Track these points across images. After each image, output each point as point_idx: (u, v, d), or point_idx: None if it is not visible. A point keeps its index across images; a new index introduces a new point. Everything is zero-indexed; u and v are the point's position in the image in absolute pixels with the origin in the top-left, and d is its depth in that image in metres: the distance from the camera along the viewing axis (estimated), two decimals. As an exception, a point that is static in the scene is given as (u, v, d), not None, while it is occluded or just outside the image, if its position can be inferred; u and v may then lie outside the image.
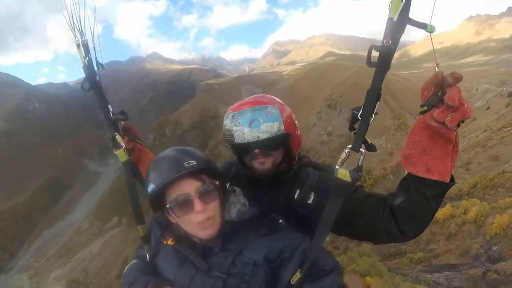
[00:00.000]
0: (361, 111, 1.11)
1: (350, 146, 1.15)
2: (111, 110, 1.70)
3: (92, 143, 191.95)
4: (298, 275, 1.22)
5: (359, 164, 1.16)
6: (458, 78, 0.96)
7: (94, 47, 1.61)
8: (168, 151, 1.35)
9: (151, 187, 1.27)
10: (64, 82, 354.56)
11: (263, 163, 1.51)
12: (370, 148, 1.18)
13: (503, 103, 51.03)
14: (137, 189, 1.63)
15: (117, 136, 1.65)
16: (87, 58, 1.60)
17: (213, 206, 1.30)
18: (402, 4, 0.94)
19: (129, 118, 1.78)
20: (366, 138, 1.14)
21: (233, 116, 1.49)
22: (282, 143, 1.50)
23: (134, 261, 1.56)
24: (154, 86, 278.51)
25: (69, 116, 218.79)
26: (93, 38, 1.61)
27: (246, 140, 1.44)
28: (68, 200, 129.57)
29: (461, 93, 0.98)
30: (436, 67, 1.03)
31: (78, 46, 1.60)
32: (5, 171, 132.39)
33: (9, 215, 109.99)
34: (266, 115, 1.44)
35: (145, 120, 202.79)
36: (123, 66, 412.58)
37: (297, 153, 1.66)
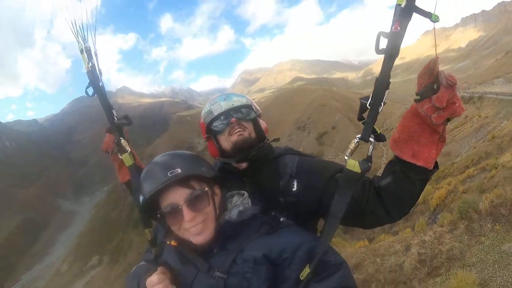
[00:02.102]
0: (370, 99, 1.11)
1: (359, 136, 1.16)
2: (115, 115, 1.71)
3: (64, 181, 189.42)
4: (307, 270, 1.20)
5: (369, 154, 1.16)
6: (451, 84, 0.98)
7: (95, 53, 1.65)
8: (158, 157, 1.36)
9: (141, 198, 1.28)
10: (34, 119, 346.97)
11: (241, 133, 1.56)
12: (380, 138, 1.17)
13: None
14: None
15: (122, 140, 1.67)
16: (90, 64, 1.62)
17: (204, 212, 1.28)
18: None
19: (132, 123, 1.82)
20: (375, 128, 1.15)
21: (211, 101, 1.64)
22: (251, 113, 1.60)
23: (142, 262, 1.59)
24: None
25: (40, 155, 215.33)
26: (94, 44, 1.65)
27: (223, 109, 1.55)
28: (45, 241, 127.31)
29: (455, 93, 1.01)
30: (436, 59, 1.03)
31: (81, 51, 1.63)
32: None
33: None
34: (236, 94, 1.65)
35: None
36: (93, 102, 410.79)
37: (267, 138, 1.69)
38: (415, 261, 6.16)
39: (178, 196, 1.25)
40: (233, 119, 1.55)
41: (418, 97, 1.07)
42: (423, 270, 5.88)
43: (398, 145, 1.17)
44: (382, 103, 1.10)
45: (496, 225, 5.71)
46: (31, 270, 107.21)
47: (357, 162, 1.18)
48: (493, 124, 26.69)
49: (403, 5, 0.98)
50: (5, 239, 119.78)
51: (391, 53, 1.03)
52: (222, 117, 1.57)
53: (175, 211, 1.25)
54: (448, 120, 1.07)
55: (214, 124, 1.59)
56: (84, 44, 1.63)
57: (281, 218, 1.39)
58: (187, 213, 1.23)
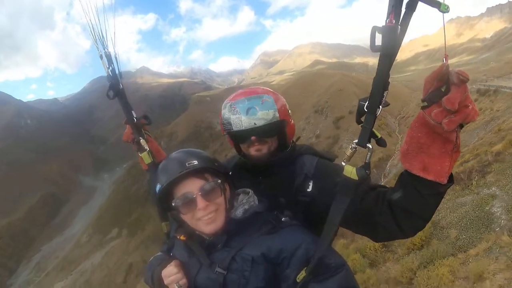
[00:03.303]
0: (367, 102, 1.04)
1: (356, 141, 1.10)
2: (135, 115, 1.79)
3: (85, 158, 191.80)
4: (303, 273, 1.21)
5: (366, 161, 1.11)
6: (463, 80, 0.86)
7: (116, 58, 1.71)
8: (174, 153, 1.42)
9: (158, 187, 1.35)
10: (54, 98, 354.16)
11: (259, 150, 1.55)
12: (380, 143, 1.12)
13: (472, 99, 53.89)
14: None
15: (141, 140, 1.75)
16: (110, 68, 1.68)
17: (216, 203, 1.34)
18: None
19: (152, 122, 1.91)
20: (375, 131, 1.08)
21: (230, 106, 1.52)
22: (277, 130, 1.53)
23: (159, 253, 1.66)
24: (146, 100, 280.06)
25: (61, 132, 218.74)
26: (114, 49, 1.69)
27: (243, 127, 1.47)
28: (65, 215, 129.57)
29: (467, 94, 0.89)
30: (444, 59, 0.92)
31: (101, 57, 1.68)
32: (0, 189, 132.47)
33: (6, 232, 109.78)
34: (262, 103, 1.48)
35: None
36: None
37: (292, 141, 1.69)
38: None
39: (193, 186, 1.31)
40: (253, 138, 1.50)
41: (425, 104, 0.97)
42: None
43: (407, 158, 1.08)
44: (380, 106, 1.03)
45: (456, 185, 8.73)
46: (51, 241, 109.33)
47: (354, 169, 1.13)
48: (503, 118, 25.11)
49: None
50: (26, 213, 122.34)
51: (386, 51, 0.95)
52: (242, 133, 1.51)
53: (190, 200, 1.30)
54: (462, 126, 0.96)
55: (233, 135, 1.56)
56: (104, 50, 1.68)
57: (283, 218, 1.39)
58: (200, 202, 1.29)
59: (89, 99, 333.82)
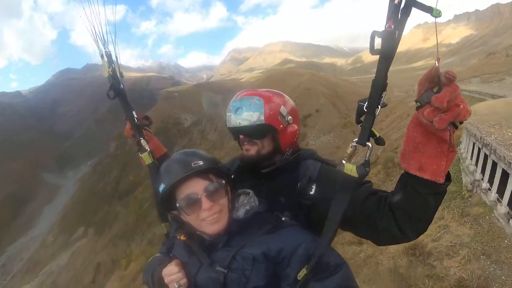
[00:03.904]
0: (366, 102, 1.07)
1: (356, 139, 1.12)
2: (135, 116, 1.80)
3: (48, 155, 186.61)
4: (304, 271, 1.22)
5: (366, 158, 1.13)
6: (449, 78, 0.92)
7: (116, 57, 1.71)
8: (178, 154, 1.44)
9: (161, 187, 1.34)
10: (17, 91, 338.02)
11: (247, 150, 1.59)
12: (379, 141, 1.14)
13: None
14: None
15: (142, 140, 1.76)
16: (111, 68, 1.68)
17: (220, 203, 1.35)
18: None
19: (152, 123, 1.94)
20: (374, 131, 1.11)
21: (230, 103, 1.60)
22: (261, 132, 1.54)
23: (158, 254, 1.66)
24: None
25: (24, 127, 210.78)
26: (115, 49, 1.71)
27: (231, 125, 1.56)
28: (29, 214, 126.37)
29: (458, 93, 0.94)
30: (436, 62, 0.99)
31: (102, 56, 1.68)
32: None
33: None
34: (250, 105, 1.52)
35: (104, 130, 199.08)
36: (79, 74, 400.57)
37: (290, 148, 1.67)
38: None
39: (197, 186, 1.32)
40: (241, 136, 1.58)
41: (418, 104, 1.01)
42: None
43: (405, 158, 1.12)
44: (379, 106, 1.06)
45: (402, 170, 9.45)
46: (16, 242, 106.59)
47: (354, 167, 1.15)
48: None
49: (396, 1, 0.94)
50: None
51: (385, 54, 0.99)
52: (232, 131, 1.60)
53: (194, 200, 1.31)
54: (456, 126, 1.00)
55: (229, 131, 1.63)
56: (105, 49, 1.67)
57: (283, 218, 1.42)
58: (205, 202, 1.30)
59: (53, 92, 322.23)
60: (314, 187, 1.52)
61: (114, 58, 1.72)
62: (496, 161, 13.13)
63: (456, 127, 1.01)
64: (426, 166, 1.07)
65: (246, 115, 1.52)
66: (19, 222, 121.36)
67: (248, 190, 1.54)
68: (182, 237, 1.44)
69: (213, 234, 1.36)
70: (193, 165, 1.31)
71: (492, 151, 13.10)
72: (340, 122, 79.21)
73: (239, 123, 1.53)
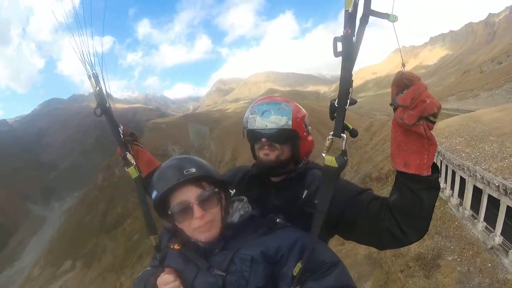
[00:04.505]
0: (337, 99, 1.15)
1: (331, 133, 1.19)
2: (121, 132, 1.85)
3: (33, 186, 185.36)
4: (299, 265, 1.23)
5: (343, 149, 1.19)
6: (410, 79, 1.05)
7: (103, 78, 1.74)
8: (172, 160, 1.43)
9: (154, 194, 1.34)
10: (3, 119, 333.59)
11: (267, 154, 1.59)
12: (353, 133, 1.21)
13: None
14: (148, 203, 1.64)
15: (128, 155, 1.78)
16: (97, 88, 1.71)
17: (213, 212, 1.34)
18: None
19: (139, 139, 2.03)
20: (347, 124, 1.18)
21: (252, 107, 1.63)
22: (286, 137, 1.58)
23: (148, 268, 1.64)
24: (99, 125, 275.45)
25: (9, 156, 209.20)
26: (101, 70, 1.74)
27: (255, 127, 1.56)
28: (14, 246, 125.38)
29: (423, 91, 1.04)
30: (402, 67, 1.10)
31: (89, 77, 1.71)
32: None
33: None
34: (278, 109, 1.55)
35: (91, 161, 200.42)
36: (65, 104, 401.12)
37: (306, 157, 1.73)
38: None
39: (190, 194, 1.32)
40: (263, 140, 1.58)
41: (393, 107, 1.12)
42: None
43: (392, 158, 1.21)
44: (348, 100, 1.13)
45: (378, 183, 22.71)
46: (1, 275, 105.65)
47: (333, 158, 1.20)
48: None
49: (350, 10, 1.01)
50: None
51: (346, 55, 1.07)
52: (254, 133, 1.62)
53: (187, 208, 1.31)
54: (431, 121, 1.09)
55: (248, 133, 1.67)
56: (92, 71, 1.71)
57: (278, 219, 1.46)
58: (197, 211, 1.30)
59: (39, 122, 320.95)
60: None
61: (101, 79, 1.74)
62: (446, 164, 16.99)
63: (432, 122, 1.09)
64: (410, 162, 1.16)
65: (274, 118, 1.54)
66: (4, 254, 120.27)
67: (242, 197, 1.57)
68: (176, 246, 1.43)
69: (205, 241, 1.35)
70: (185, 173, 1.30)
71: (442, 156, 16.97)
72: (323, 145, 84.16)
73: (266, 125, 1.54)
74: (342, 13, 1.02)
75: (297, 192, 1.63)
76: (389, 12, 1.00)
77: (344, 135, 1.18)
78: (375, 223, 1.38)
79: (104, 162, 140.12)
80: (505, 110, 20.72)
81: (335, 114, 1.18)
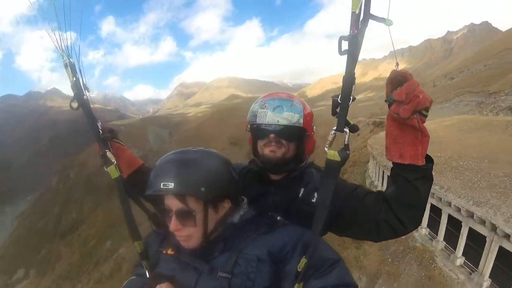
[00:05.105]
0: (340, 95, 1.18)
1: (334, 128, 1.22)
2: (100, 128, 1.69)
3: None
4: (304, 260, 1.22)
5: (346, 143, 1.22)
6: (404, 76, 1.13)
7: (80, 69, 1.60)
8: (168, 157, 1.35)
9: (147, 192, 1.29)
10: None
11: (273, 151, 1.56)
12: (353, 128, 1.23)
13: (368, 130, 62.58)
14: (130, 205, 1.59)
15: (107, 153, 1.65)
16: (74, 78, 1.58)
17: (189, 229, 1.27)
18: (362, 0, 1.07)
19: (118, 137, 1.85)
20: (348, 120, 1.21)
21: (262, 101, 1.59)
22: (296, 135, 1.56)
23: (133, 277, 1.55)
24: (55, 125, 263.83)
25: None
26: (78, 60, 1.61)
27: (266, 122, 1.52)
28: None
29: (416, 87, 1.11)
30: (396, 66, 1.17)
31: (66, 66, 1.59)
32: None
33: None
34: (291, 106, 1.54)
35: (44, 161, 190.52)
36: (20, 102, 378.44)
37: (308, 156, 1.71)
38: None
39: (172, 203, 1.26)
40: (271, 136, 1.54)
41: (388, 103, 1.18)
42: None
43: (389, 150, 1.27)
44: (351, 97, 1.17)
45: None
46: None
47: (336, 152, 1.23)
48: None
49: (357, 12, 1.07)
50: None
51: (352, 53, 1.12)
52: (262, 128, 1.56)
53: (168, 215, 1.28)
54: (424, 115, 1.16)
55: (255, 128, 1.61)
56: (69, 60, 1.60)
57: (278, 217, 1.46)
58: (173, 223, 1.25)
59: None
60: (316, 195, 1.57)
61: (77, 68, 1.59)
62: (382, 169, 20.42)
63: (424, 116, 1.16)
64: (405, 153, 1.22)
65: (287, 115, 1.52)
66: None
67: (242, 197, 1.52)
68: (170, 251, 1.36)
69: (187, 249, 1.31)
70: (161, 186, 1.22)
71: (387, 169, 18.53)
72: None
73: (278, 121, 1.51)
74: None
75: (295, 190, 1.63)
76: (385, 17, 1.07)
77: (347, 130, 1.21)
78: (372, 216, 1.40)
79: (57, 164, 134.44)
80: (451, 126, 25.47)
81: (337, 110, 1.21)
